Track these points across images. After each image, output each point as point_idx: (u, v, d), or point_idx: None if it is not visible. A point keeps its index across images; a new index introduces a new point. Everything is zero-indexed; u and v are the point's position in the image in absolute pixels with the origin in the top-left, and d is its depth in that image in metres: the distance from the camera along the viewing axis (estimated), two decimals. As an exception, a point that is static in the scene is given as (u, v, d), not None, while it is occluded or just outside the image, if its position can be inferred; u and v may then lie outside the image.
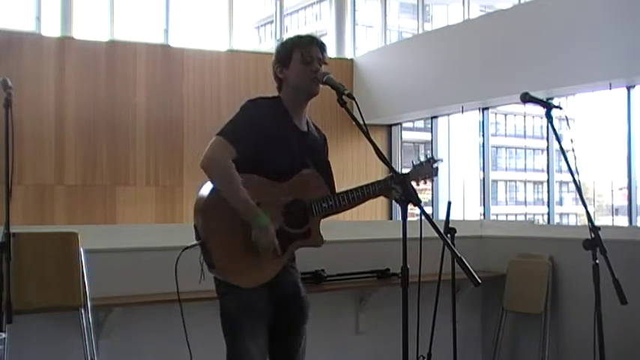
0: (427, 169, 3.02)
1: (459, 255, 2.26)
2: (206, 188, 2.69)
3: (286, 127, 2.81)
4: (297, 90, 2.82)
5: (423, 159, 3.04)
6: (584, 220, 2.93)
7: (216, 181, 2.67)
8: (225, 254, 2.65)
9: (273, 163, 2.73)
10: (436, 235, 2.32)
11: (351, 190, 2.84)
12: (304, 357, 2.89)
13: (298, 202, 2.76)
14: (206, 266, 2.67)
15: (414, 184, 2.98)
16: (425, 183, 3.02)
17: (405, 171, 3.06)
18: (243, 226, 2.64)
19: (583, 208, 2.97)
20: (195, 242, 2.67)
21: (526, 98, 3.07)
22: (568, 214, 19.48)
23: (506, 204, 22.90)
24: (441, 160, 3.08)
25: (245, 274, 2.68)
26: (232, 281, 2.68)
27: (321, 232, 2.82)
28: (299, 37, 2.88)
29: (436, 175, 3.05)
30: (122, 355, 3.79)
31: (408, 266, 2.38)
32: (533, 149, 22.70)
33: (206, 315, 3.31)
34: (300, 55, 2.78)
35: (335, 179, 2.98)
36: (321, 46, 2.84)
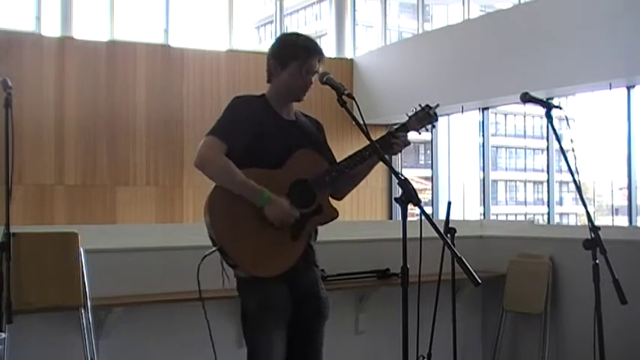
0: (425, 116, 2.93)
1: (459, 255, 2.25)
2: (210, 190, 2.71)
3: (274, 119, 2.83)
4: (285, 92, 2.85)
5: (417, 108, 2.94)
6: (584, 220, 2.93)
7: (212, 174, 2.70)
8: (243, 250, 2.66)
9: (266, 153, 2.75)
10: (436, 235, 2.32)
11: (349, 156, 2.82)
12: (322, 356, 2.89)
13: (301, 182, 2.76)
14: (227, 267, 2.69)
15: (414, 134, 2.94)
16: (426, 130, 2.96)
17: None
18: (251, 216, 2.66)
19: (583, 208, 2.96)
20: (212, 249, 2.67)
21: (526, 98, 3.07)
22: (568, 214, 19.46)
23: (507, 204, 22.87)
24: (437, 105, 2.97)
25: (267, 263, 2.69)
26: (258, 274, 2.68)
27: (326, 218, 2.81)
28: (305, 44, 2.84)
29: (436, 120, 2.95)
30: (122, 355, 3.78)
31: (408, 266, 2.38)
32: (533, 149, 22.66)
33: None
34: (299, 65, 2.79)
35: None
36: (321, 59, 2.84)
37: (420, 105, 2.98)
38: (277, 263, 2.70)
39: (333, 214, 2.82)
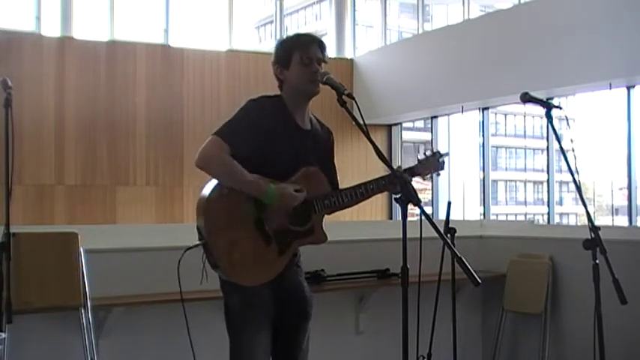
0: (433, 164, 3.01)
1: (459, 255, 2.25)
2: (207, 188, 2.69)
3: (288, 126, 2.80)
4: (298, 91, 2.81)
5: (428, 153, 3.02)
6: (584, 220, 2.93)
7: (216, 173, 2.67)
8: (227, 253, 2.65)
9: (274, 162, 2.73)
10: (436, 235, 2.32)
11: (353, 187, 2.83)
12: (307, 355, 2.89)
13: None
14: (209, 266, 2.67)
15: (419, 179, 2.97)
16: (430, 178, 3.03)
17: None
18: (244, 225, 2.65)
19: (583, 208, 2.96)
20: (197, 242, 2.66)
21: (526, 98, 3.06)
22: (568, 214, 19.46)
23: (507, 204, 22.87)
24: (447, 154, 3.06)
25: (248, 273, 2.68)
26: (235, 280, 2.68)
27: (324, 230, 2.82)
28: (298, 37, 2.87)
29: (442, 168, 3.03)
30: (122, 355, 3.79)
31: (408, 266, 2.38)
32: (533, 149, 22.66)
33: (207, 314, 3.31)
34: (300, 57, 2.77)
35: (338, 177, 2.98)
36: (321, 45, 2.82)
37: (430, 150, 3.04)
38: (259, 275, 2.69)
39: (322, 239, 2.82)
